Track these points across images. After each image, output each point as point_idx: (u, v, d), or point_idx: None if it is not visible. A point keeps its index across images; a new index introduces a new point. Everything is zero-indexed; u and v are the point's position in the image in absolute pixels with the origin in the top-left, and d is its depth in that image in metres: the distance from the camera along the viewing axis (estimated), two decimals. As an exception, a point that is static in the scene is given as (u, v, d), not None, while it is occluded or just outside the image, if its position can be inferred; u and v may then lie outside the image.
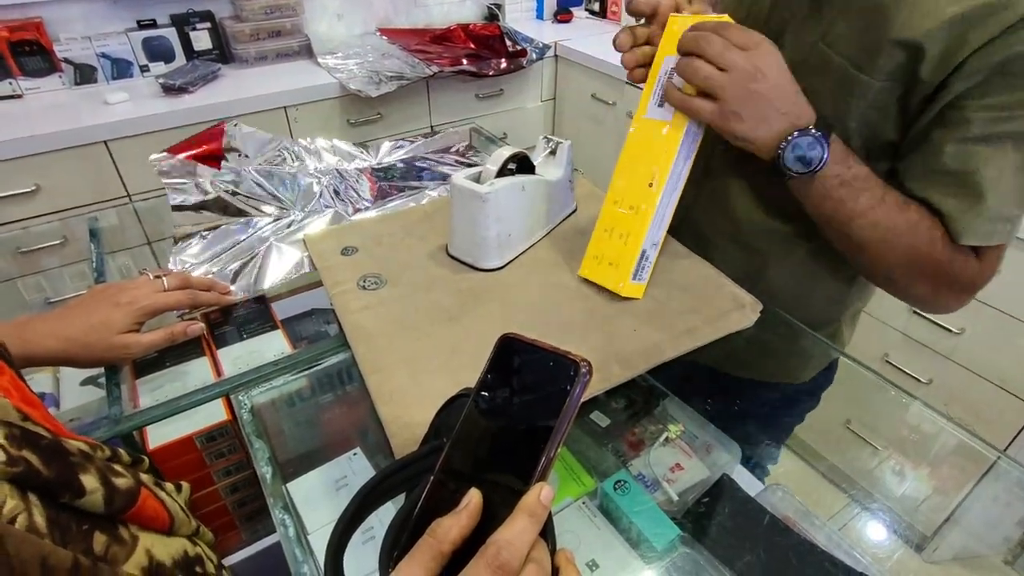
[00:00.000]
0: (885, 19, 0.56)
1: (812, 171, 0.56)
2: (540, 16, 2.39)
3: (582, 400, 0.32)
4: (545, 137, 0.80)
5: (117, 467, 0.37)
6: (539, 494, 0.30)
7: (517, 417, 0.33)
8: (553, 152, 0.79)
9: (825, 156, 0.56)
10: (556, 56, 2.13)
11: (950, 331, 1.40)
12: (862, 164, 0.59)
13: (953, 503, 0.73)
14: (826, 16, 0.61)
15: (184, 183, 0.82)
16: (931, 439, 0.66)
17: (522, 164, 0.73)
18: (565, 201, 0.81)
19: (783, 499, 0.62)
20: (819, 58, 0.61)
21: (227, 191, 0.83)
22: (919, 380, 1.51)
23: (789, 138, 0.56)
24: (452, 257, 0.72)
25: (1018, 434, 1.38)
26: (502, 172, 0.69)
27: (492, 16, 2.29)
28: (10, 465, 0.30)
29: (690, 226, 0.78)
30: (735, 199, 0.73)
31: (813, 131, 0.55)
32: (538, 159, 0.79)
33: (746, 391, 0.84)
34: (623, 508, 0.55)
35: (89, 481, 0.33)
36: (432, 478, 0.33)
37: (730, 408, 0.82)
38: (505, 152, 0.70)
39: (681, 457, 0.64)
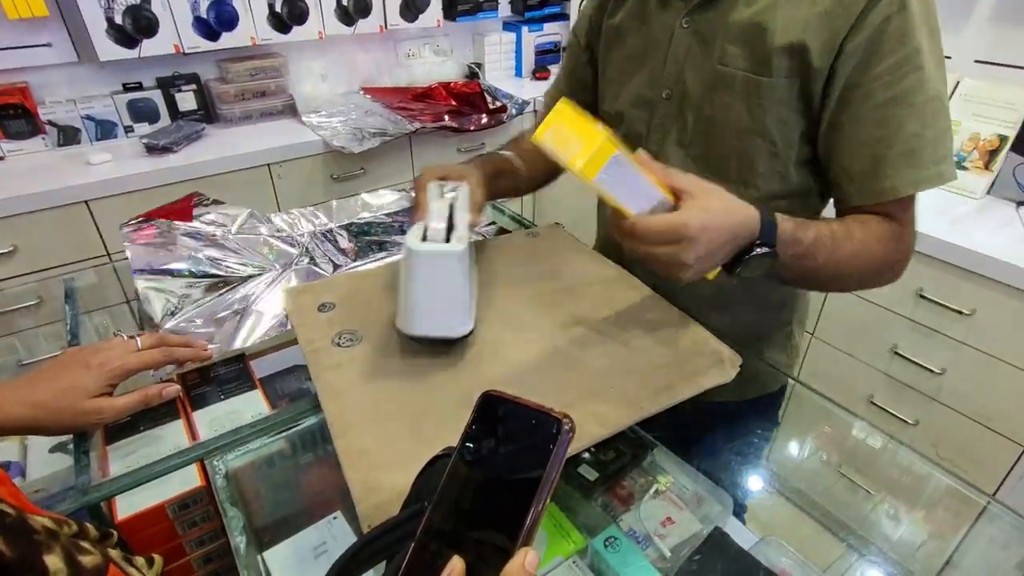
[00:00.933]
0: (763, 32, 0.65)
1: (770, 272, 0.62)
2: (519, 74, 2.48)
3: (565, 459, 0.31)
4: (438, 184, 0.73)
5: (84, 544, 0.36)
6: (524, 560, 0.29)
7: (500, 477, 0.32)
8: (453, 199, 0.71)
9: (775, 254, 0.59)
10: (535, 111, 2.20)
11: (932, 371, 1.42)
12: (808, 227, 0.63)
13: (950, 547, 0.72)
14: (714, 45, 0.70)
15: (155, 251, 0.82)
16: (922, 482, 0.65)
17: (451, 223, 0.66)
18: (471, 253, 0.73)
19: (778, 551, 0.60)
20: (722, 77, 0.69)
21: (201, 257, 0.82)
22: (905, 421, 1.51)
23: (738, 266, 0.59)
24: (413, 339, 0.63)
25: (1008, 473, 1.37)
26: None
27: (472, 75, 2.37)
28: None
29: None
30: None
31: (757, 247, 0.58)
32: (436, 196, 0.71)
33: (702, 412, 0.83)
34: (615, 567, 0.54)
35: (53, 561, 0.32)
36: (413, 544, 0.32)
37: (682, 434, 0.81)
38: (445, 204, 0.66)
39: (672, 510, 0.62)
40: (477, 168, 0.80)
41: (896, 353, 1.47)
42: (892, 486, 0.76)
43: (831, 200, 0.76)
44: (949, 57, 1.57)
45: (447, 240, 0.62)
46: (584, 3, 0.89)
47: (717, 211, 0.56)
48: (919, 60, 0.61)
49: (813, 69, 0.64)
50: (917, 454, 0.62)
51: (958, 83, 1.55)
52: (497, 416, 0.33)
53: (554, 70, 2.51)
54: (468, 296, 0.64)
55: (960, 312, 1.33)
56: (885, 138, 0.63)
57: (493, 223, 1.03)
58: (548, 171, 0.96)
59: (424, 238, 0.61)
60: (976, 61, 1.56)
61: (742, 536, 0.61)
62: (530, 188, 0.98)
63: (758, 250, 0.58)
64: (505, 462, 0.32)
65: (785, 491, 0.90)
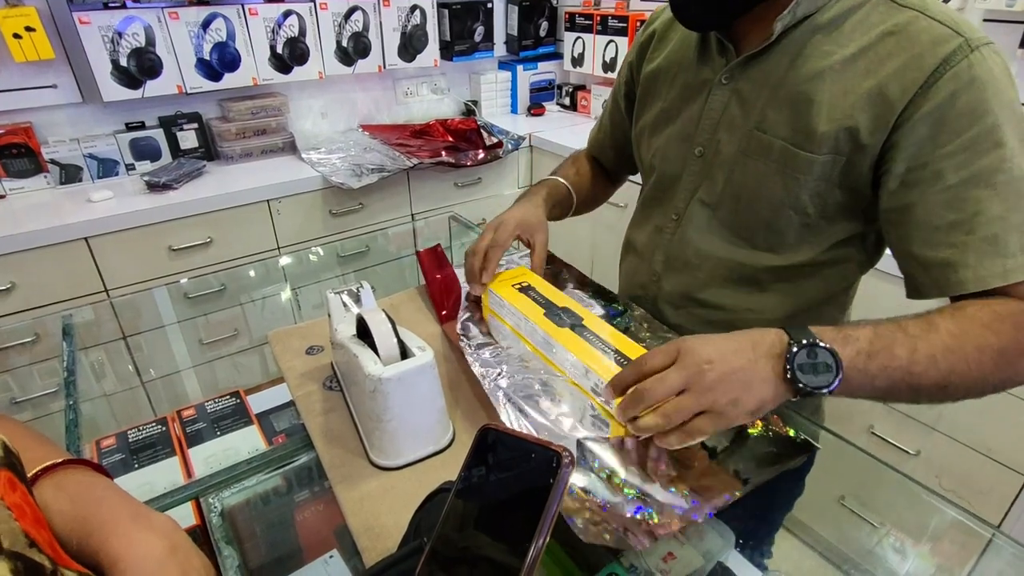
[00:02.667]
0: (809, 107, 0.61)
1: (835, 367, 0.51)
2: (515, 111, 2.54)
3: (566, 490, 0.31)
4: (334, 291, 0.67)
5: None
6: (524, 597, 0.28)
7: (500, 511, 0.32)
8: (358, 299, 0.67)
9: (831, 351, 0.51)
10: (531, 146, 2.24)
11: (932, 400, 1.41)
12: (860, 327, 0.54)
13: (957, 582, 0.70)
14: (755, 107, 0.65)
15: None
16: (927, 514, 0.64)
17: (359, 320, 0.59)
18: None
19: (782, 587, 0.59)
20: (758, 143, 0.65)
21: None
22: (907, 452, 1.50)
23: (786, 367, 0.51)
24: (400, 468, 0.55)
25: (1013, 504, 1.35)
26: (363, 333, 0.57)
27: (469, 112, 2.42)
28: None
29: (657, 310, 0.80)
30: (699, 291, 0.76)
31: (792, 342, 0.51)
32: (342, 312, 0.65)
33: None
34: (616, 605, 0.52)
35: None
36: (412, 582, 0.31)
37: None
38: (382, 316, 0.57)
39: (673, 545, 0.61)
40: (542, 209, 0.83)
41: (895, 383, 1.47)
42: (895, 519, 0.75)
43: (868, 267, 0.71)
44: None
45: (403, 356, 0.55)
46: (629, 50, 0.87)
47: (709, 336, 0.52)
48: (998, 136, 0.54)
49: (862, 147, 0.59)
50: (920, 485, 0.61)
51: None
52: (496, 450, 0.33)
53: (548, 107, 2.56)
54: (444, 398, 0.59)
55: (956, 341, 1.33)
56: (962, 223, 0.55)
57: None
58: (594, 198, 0.99)
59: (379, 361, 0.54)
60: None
61: (745, 571, 0.60)
62: (579, 212, 0.98)
63: (800, 348, 0.50)
64: (505, 496, 0.32)
65: (788, 524, 0.89)
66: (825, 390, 0.51)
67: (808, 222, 0.66)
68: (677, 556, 0.60)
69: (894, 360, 0.53)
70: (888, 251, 0.67)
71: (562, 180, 0.91)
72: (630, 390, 0.52)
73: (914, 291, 0.62)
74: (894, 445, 1.51)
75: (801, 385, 0.51)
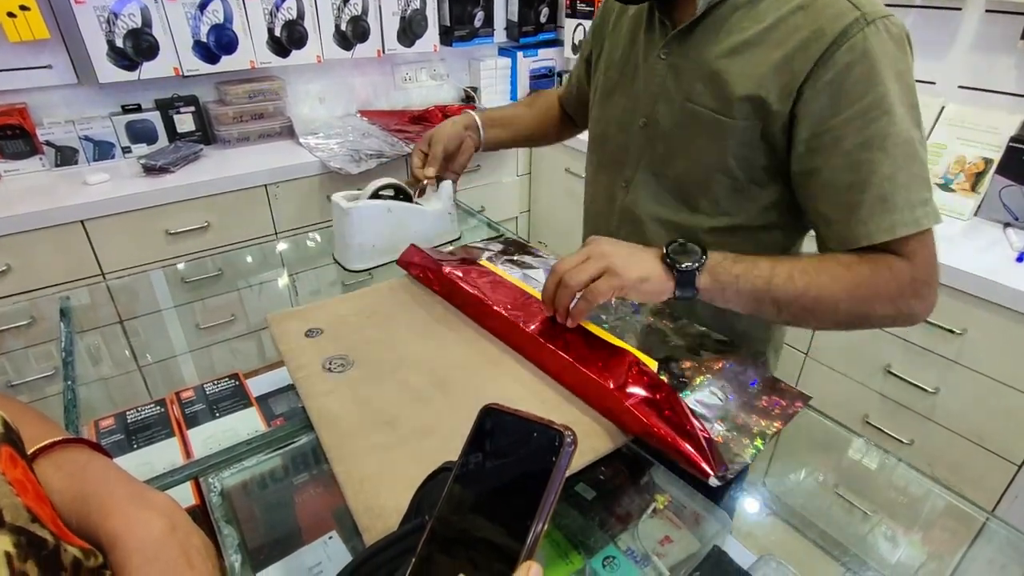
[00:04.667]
0: (727, 78, 0.67)
1: (702, 252, 0.64)
2: (514, 98, 2.52)
3: (567, 473, 0.31)
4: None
5: None
6: (527, 574, 0.29)
7: (502, 490, 0.32)
8: (435, 188, 0.95)
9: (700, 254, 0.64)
10: (530, 134, 2.22)
11: (926, 390, 1.42)
12: (743, 259, 0.65)
13: (949, 569, 0.71)
14: (685, 79, 0.72)
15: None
16: (920, 502, 0.65)
17: (405, 195, 0.91)
18: (444, 228, 0.97)
19: (777, 571, 0.60)
20: (689, 114, 0.72)
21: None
22: (901, 441, 1.51)
23: (663, 251, 0.65)
24: (334, 259, 0.90)
25: (1003, 494, 1.37)
26: (377, 197, 0.88)
27: (468, 98, 2.40)
28: None
29: None
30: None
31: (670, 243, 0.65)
32: (426, 194, 0.95)
33: None
34: (613, 587, 0.53)
35: None
36: (414, 560, 0.32)
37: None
38: (377, 182, 0.88)
39: (670, 529, 0.62)
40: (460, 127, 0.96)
41: (890, 372, 1.48)
42: (890, 506, 0.76)
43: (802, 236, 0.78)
44: (933, 83, 1.61)
45: (363, 201, 0.87)
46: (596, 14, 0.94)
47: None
48: (888, 104, 0.60)
49: (772, 112, 0.65)
50: (915, 470, 0.62)
51: (943, 108, 1.59)
52: (498, 429, 0.33)
53: (548, 94, 2.55)
54: (360, 244, 0.88)
55: (952, 331, 1.34)
56: (858, 183, 0.62)
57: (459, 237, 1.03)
58: (545, 135, 1.11)
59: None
60: (960, 87, 1.60)
61: (741, 555, 0.61)
62: (532, 144, 1.13)
63: (674, 243, 0.64)
64: (506, 475, 0.32)
65: (782, 511, 0.90)
66: (694, 266, 0.63)
67: (738, 186, 0.72)
68: (674, 540, 0.61)
69: (755, 268, 0.64)
70: None
71: (474, 114, 1.01)
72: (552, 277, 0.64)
73: (821, 245, 0.69)
74: (888, 434, 1.53)
75: (671, 260, 0.63)
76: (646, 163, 0.80)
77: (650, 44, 0.76)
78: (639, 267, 0.63)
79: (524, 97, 1.16)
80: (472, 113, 0.99)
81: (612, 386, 0.57)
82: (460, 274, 0.76)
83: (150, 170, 1.64)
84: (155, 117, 1.81)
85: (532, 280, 0.82)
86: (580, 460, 0.54)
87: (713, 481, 0.52)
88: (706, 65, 0.69)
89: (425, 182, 0.93)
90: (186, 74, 1.78)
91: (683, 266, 0.63)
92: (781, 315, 0.66)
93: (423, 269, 0.82)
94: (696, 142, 0.72)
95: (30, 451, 0.39)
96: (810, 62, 0.61)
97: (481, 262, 0.85)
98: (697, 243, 0.67)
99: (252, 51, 1.85)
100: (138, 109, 1.80)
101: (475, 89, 2.41)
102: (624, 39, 0.82)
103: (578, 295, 0.63)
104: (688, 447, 0.53)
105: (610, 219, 0.88)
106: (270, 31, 1.86)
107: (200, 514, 0.62)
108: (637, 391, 0.57)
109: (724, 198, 0.74)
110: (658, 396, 0.57)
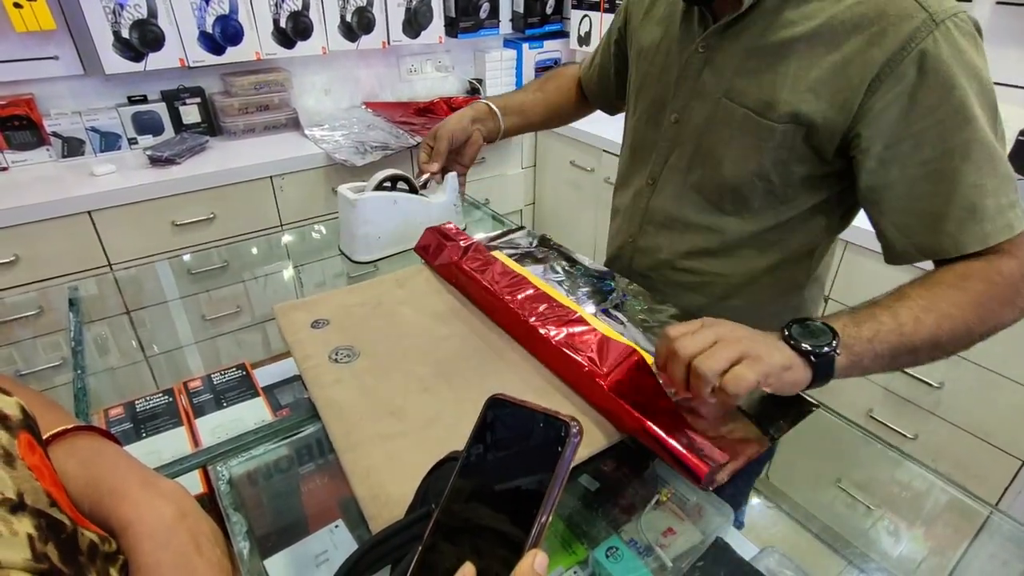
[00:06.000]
0: (773, 78, 0.63)
1: (829, 330, 0.54)
2: (519, 90, 2.51)
3: (573, 463, 0.31)
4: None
5: (112, 571, 0.36)
6: (533, 562, 0.29)
7: (508, 480, 0.32)
8: (440, 182, 0.97)
9: (811, 319, 0.55)
10: (535, 126, 2.22)
11: (931, 385, 1.42)
12: (835, 314, 0.57)
13: (951, 563, 0.71)
14: (725, 76, 0.68)
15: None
16: (923, 496, 0.65)
17: (410, 186, 0.94)
18: (449, 220, 0.94)
19: (780, 563, 0.60)
20: (725, 111, 0.68)
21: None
22: (905, 435, 1.51)
23: (784, 332, 0.54)
24: (340, 251, 0.93)
25: (1007, 489, 1.37)
26: (381, 188, 0.90)
27: (474, 90, 2.40)
28: (36, 562, 0.29)
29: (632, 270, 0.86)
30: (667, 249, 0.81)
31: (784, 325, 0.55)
32: (429, 187, 0.97)
33: None
34: (617, 577, 0.53)
35: None
36: (420, 547, 0.32)
37: None
38: (381, 173, 0.90)
39: (673, 521, 0.62)
40: (468, 121, 0.95)
41: (894, 368, 1.48)
42: (892, 500, 0.76)
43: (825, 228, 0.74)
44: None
45: (369, 192, 0.89)
46: None
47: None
48: (967, 110, 0.56)
49: (823, 118, 0.61)
50: (918, 464, 0.62)
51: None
52: (504, 419, 0.33)
53: (554, 86, 2.54)
54: (366, 235, 0.90)
55: (957, 327, 1.34)
56: (941, 194, 0.58)
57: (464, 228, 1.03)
58: (560, 115, 1.08)
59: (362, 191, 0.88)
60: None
61: (743, 547, 0.61)
62: (548, 127, 1.11)
63: (793, 323, 0.54)
64: (513, 465, 0.32)
65: (784, 505, 0.90)
66: (827, 349, 0.53)
67: (772, 189, 0.68)
68: (677, 531, 0.61)
69: (882, 325, 0.55)
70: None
71: (488, 103, 0.99)
72: (666, 350, 0.53)
73: (895, 257, 0.65)
74: (893, 429, 1.52)
75: (804, 347, 0.53)
76: (674, 161, 0.76)
77: (688, 37, 0.72)
78: (779, 353, 0.52)
79: (532, 80, 1.14)
80: (484, 103, 0.98)
81: (606, 385, 0.57)
82: (477, 267, 0.76)
83: (156, 161, 1.65)
84: (161, 108, 1.82)
85: (554, 283, 0.81)
86: (585, 451, 0.55)
87: (704, 486, 0.52)
88: (751, 61, 0.65)
89: (428, 176, 0.94)
90: (192, 65, 1.78)
91: (822, 351, 0.53)
92: (917, 362, 0.58)
93: (441, 251, 0.82)
94: (731, 143, 0.68)
95: (44, 437, 0.39)
96: (872, 70, 0.57)
97: (500, 256, 0.81)
98: (753, 276, 0.64)
99: (257, 42, 1.85)
100: (144, 100, 1.80)
101: (480, 81, 2.40)
102: (658, 28, 0.78)
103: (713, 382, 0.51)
104: (681, 451, 0.53)
105: (634, 218, 0.85)
106: (275, 22, 1.86)
107: (208, 502, 0.62)
108: (637, 391, 0.57)
109: (756, 202, 0.70)
110: (660, 401, 0.57)
